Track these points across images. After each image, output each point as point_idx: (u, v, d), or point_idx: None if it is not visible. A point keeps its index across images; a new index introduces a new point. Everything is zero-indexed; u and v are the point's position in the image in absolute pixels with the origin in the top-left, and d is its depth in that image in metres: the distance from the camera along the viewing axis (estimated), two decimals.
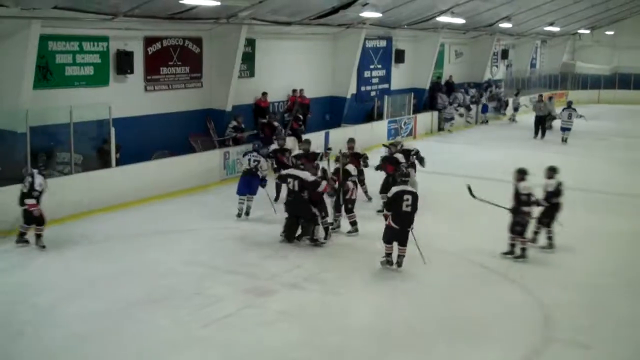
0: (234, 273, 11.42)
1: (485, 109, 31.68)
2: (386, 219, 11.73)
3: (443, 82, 30.91)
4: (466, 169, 19.93)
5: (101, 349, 8.78)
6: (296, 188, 12.86)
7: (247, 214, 14.71)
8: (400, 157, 15.45)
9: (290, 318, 9.83)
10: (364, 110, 26.04)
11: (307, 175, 12.94)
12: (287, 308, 10.10)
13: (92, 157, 15.49)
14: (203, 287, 10.78)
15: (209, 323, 9.52)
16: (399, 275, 11.57)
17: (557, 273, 12.00)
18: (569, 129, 26.51)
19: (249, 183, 14.67)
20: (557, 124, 27.69)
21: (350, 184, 13.75)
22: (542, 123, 27.50)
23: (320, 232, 13.08)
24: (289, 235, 13.03)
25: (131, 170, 15.79)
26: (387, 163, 15.44)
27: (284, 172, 13.67)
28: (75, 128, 14.60)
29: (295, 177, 12.94)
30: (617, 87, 40.88)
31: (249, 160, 14.72)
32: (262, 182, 14.83)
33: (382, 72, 26.79)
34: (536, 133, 27.41)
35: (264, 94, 20.82)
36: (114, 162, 15.48)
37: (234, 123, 19.03)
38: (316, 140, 20.60)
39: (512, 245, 12.60)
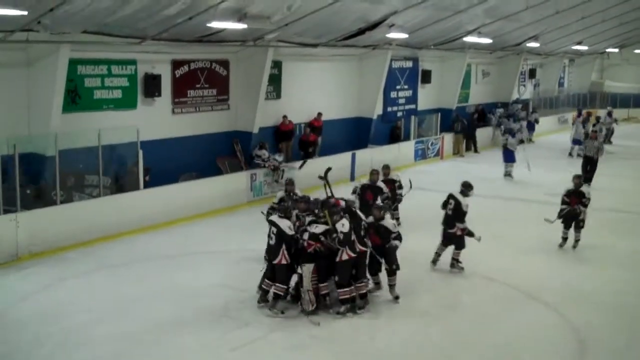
0: None
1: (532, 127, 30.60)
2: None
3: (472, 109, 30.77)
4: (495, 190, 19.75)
5: None
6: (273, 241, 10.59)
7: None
8: (383, 186, 14.29)
9: (320, 342, 9.74)
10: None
11: (285, 226, 10.54)
12: (317, 332, 9.99)
13: (120, 180, 15.54)
14: (231, 310, 10.72)
15: (237, 347, 9.46)
16: (429, 299, 11.42)
17: (588, 294, 11.79)
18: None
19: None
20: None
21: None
22: (592, 165, 21.42)
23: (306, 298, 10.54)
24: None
25: (159, 192, 15.83)
26: (368, 191, 14.04)
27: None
28: (104, 151, 14.68)
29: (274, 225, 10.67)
30: None
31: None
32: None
33: (408, 93, 26.71)
34: (585, 179, 21.05)
35: (285, 117, 20.62)
36: (141, 184, 15.53)
37: (264, 152, 18.72)
38: (342, 161, 20.61)
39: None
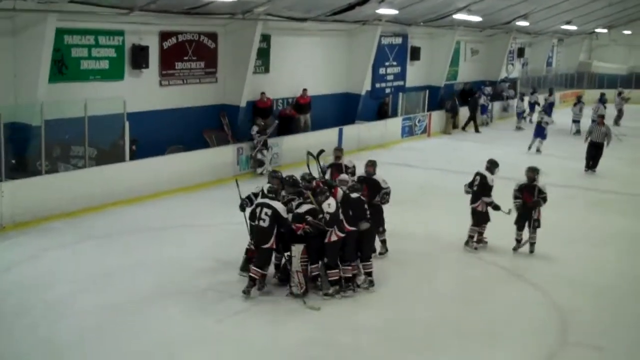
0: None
1: (484, 110, 30.39)
2: None
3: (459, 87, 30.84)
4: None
5: (115, 342, 8.77)
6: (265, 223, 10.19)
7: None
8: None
9: (303, 316, 9.78)
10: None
11: (282, 209, 10.33)
12: (300, 306, 10.03)
13: (106, 151, 15.47)
14: (216, 283, 10.75)
15: (222, 319, 9.51)
16: (412, 275, 11.48)
17: (573, 274, 11.88)
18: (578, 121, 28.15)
19: None
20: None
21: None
22: (598, 151, 20.86)
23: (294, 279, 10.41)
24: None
25: (145, 164, 15.80)
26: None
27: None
28: (90, 122, 14.59)
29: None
30: (634, 87, 40.42)
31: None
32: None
33: (397, 69, 26.68)
34: (588, 165, 20.81)
35: (263, 93, 20.17)
36: (127, 156, 15.47)
37: (256, 128, 18.32)
38: (330, 136, 20.61)
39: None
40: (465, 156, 22.36)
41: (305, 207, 10.24)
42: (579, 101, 28.88)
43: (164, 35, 17.54)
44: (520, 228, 12.75)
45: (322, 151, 12.44)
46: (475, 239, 12.80)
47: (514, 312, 10.29)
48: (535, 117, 27.75)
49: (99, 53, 15.96)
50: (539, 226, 12.57)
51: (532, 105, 30.43)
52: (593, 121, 23.44)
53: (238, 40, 18.89)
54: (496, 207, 12.66)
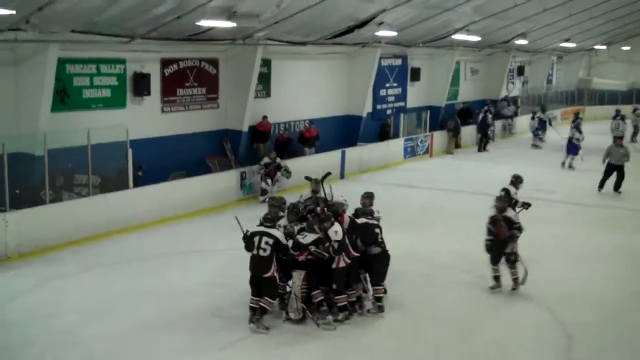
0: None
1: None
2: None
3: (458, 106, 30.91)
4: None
5: None
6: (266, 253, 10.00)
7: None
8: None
9: (308, 339, 9.77)
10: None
11: (281, 236, 10.17)
12: (305, 329, 10.02)
13: (112, 178, 15.52)
14: (220, 309, 10.75)
15: (226, 345, 9.50)
16: (416, 297, 11.46)
17: (577, 291, 11.87)
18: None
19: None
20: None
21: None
22: (619, 173, 20.06)
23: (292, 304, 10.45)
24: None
25: (148, 191, 15.83)
26: None
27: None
28: (93, 150, 14.65)
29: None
30: (635, 102, 40.44)
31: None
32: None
33: (397, 90, 26.76)
34: (602, 185, 20.21)
35: (265, 117, 20.20)
36: (131, 183, 15.51)
37: (267, 160, 18.15)
38: (332, 159, 20.66)
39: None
40: (467, 176, 22.44)
41: (310, 238, 10.07)
42: (577, 117, 28.48)
43: (165, 62, 17.66)
44: (495, 262, 11.73)
45: (328, 174, 12.38)
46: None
47: (519, 331, 10.27)
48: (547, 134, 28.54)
49: (100, 81, 16.07)
50: (515, 260, 11.60)
51: (542, 123, 30.15)
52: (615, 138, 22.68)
53: (239, 65, 19.01)
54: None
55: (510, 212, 11.67)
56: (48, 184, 13.94)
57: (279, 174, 17.69)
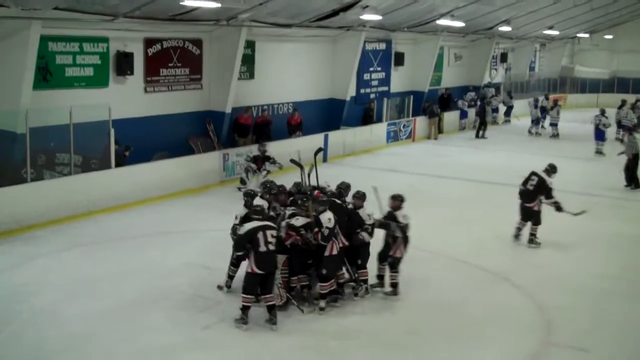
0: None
1: (464, 114, 30.48)
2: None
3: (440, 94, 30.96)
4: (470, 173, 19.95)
5: (102, 349, 8.78)
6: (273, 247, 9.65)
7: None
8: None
9: (292, 321, 9.80)
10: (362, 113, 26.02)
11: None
12: (288, 312, 10.04)
13: (98, 157, 15.47)
14: (203, 289, 10.76)
15: (209, 325, 9.51)
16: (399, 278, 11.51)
17: (557, 276, 11.99)
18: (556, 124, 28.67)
19: None
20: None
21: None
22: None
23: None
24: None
25: (131, 171, 15.80)
26: None
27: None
28: (75, 129, 14.57)
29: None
30: (616, 91, 40.83)
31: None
32: None
33: (381, 75, 26.76)
34: (630, 181, 19.18)
35: (247, 109, 19.91)
36: (112, 162, 15.45)
37: (256, 153, 17.44)
38: (315, 142, 20.66)
39: None
40: (449, 161, 22.55)
41: (301, 221, 10.02)
42: (555, 104, 29.49)
43: (149, 42, 17.54)
44: (381, 261, 11.03)
45: (320, 150, 12.32)
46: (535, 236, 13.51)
47: (498, 314, 10.36)
48: (547, 122, 29.15)
49: (83, 60, 15.93)
50: (393, 262, 10.73)
51: (542, 110, 29.98)
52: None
53: (223, 46, 18.91)
54: (559, 209, 13.40)
55: (399, 212, 10.62)
56: (30, 162, 13.85)
57: (267, 164, 17.20)
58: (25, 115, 13.73)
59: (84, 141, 15.10)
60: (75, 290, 10.59)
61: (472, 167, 21.46)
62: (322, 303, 10.11)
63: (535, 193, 13.40)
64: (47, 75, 15.18)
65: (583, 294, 11.24)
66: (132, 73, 16.96)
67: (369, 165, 16.50)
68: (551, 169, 13.60)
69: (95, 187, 14.82)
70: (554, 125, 28.77)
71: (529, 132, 29.46)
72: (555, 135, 28.52)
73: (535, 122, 29.60)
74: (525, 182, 13.57)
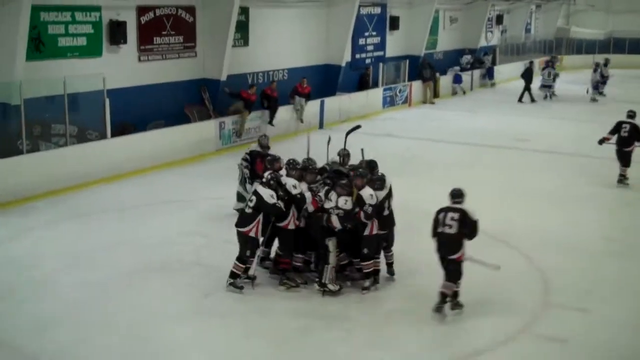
0: (232, 243, 11.37)
1: (458, 79, 30.51)
2: None
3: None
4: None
5: (101, 318, 8.82)
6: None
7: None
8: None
9: (293, 289, 9.78)
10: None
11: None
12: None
13: (86, 129, 15.37)
14: (201, 258, 10.79)
15: (209, 292, 9.55)
16: (396, 245, 11.47)
17: (554, 239, 12.00)
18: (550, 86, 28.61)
19: None
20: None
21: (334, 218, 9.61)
22: None
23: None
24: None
25: (126, 141, 15.74)
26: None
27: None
28: (70, 99, 14.48)
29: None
30: (612, 52, 40.62)
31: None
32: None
33: (376, 40, 26.58)
34: None
35: (251, 86, 19.33)
36: (109, 133, 15.39)
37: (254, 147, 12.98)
38: (311, 109, 20.61)
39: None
40: (445, 125, 22.53)
41: (343, 200, 9.54)
42: (547, 65, 29.44)
43: (141, 10, 17.35)
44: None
45: (357, 127, 12.26)
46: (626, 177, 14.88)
47: (497, 276, 10.34)
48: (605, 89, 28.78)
49: (76, 29, 15.77)
50: (368, 248, 9.81)
51: (603, 77, 29.09)
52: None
53: (216, 13, 18.72)
54: None
55: (364, 191, 9.63)
56: (25, 133, 13.79)
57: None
58: (19, 86, 13.65)
59: (79, 111, 15.02)
60: (73, 261, 10.60)
61: (471, 130, 21.44)
62: (367, 282, 9.81)
63: (631, 138, 14.68)
64: (40, 45, 15.02)
65: (580, 255, 11.28)
66: (125, 42, 16.80)
67: (365, 130, 16.40)
68: (634, 114, 14.90)
69: (91, 158, 14.77)
70: (545, 87, 28.67)
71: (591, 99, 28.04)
72: (546, 97, 28.53)
73: (594, 86, 28.48)
74: (614, 131, 14.81)
